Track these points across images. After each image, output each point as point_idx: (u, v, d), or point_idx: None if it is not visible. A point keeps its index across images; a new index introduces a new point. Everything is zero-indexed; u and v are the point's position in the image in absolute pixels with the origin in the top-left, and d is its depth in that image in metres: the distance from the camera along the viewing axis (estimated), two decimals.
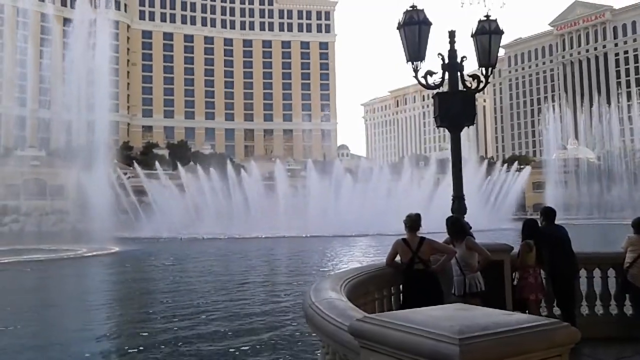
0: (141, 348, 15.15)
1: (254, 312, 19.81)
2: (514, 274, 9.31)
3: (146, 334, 16.82)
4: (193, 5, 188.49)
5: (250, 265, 38.64)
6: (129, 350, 14.98)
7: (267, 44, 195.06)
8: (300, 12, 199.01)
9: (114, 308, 22.83)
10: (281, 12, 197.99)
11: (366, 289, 7.54)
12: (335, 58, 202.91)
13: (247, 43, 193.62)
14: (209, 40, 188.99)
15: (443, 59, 9.72)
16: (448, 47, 9.78)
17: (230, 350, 14.70)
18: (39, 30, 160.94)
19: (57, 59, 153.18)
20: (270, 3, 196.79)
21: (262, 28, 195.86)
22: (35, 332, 17.77)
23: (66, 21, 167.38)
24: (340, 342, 4.31)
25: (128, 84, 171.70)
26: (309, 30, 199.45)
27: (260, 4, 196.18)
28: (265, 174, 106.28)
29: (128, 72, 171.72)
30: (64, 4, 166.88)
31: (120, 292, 27.98)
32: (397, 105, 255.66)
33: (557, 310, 9.44)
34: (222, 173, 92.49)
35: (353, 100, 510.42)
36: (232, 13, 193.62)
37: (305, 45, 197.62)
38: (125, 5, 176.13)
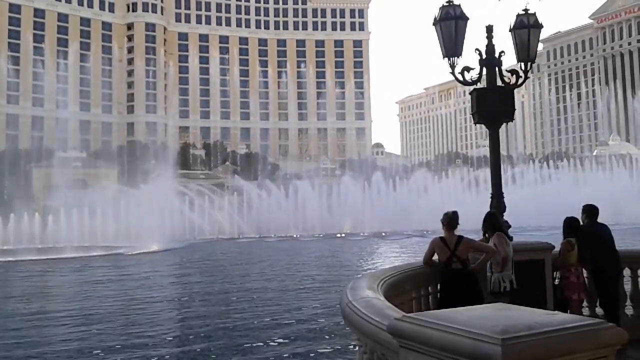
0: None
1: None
2: (555, 273, 9.11)
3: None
4: (228, 6, 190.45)
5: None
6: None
7: (300, 43, 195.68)
8: (333, 11, 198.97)
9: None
10: (315, 11, 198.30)
11: (403, 288, 7.50)
12: (370, 56, 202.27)
13: (281, 43, 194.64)
14: (243, 40, 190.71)
15: (480, 55, 9.56)
16: (485, 42, 9.61)
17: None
18: (79, 34, 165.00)
19: (97, 63, 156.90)
20: (304, 2, 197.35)
21: (295, 27, 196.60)
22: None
23: (104, 25, 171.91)
24: (379, 341, 4.29)
25: (165, 85, 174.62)
26: (342, 28, 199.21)
27: (294, 4, 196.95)
28: (301, 173, 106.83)
29: (165, 74, 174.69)
30: (102, 7, 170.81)
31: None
32: (433, 102, 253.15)
33: (600, 311, 9.20)
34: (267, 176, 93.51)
35: (388, 98, 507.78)
36: (267, 13, 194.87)
37: (339, 43, 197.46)
38: (162, 8, 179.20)
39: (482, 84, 9.68)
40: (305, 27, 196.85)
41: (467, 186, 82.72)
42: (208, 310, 21.13)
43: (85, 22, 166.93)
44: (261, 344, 15.33)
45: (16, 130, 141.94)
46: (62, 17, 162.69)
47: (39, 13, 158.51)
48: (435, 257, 8.22)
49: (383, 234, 66.42)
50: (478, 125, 10.14)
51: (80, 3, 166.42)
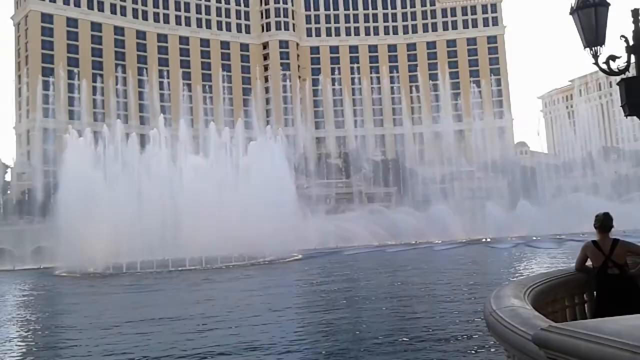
0: None
1: None
2: None
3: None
4: (356, 16, 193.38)
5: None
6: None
7: (431, 45, 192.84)
8: (464, 8, 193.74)
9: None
10: (444, 10, 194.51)
11: (554, 296, 7.12)
12: (506, 51, 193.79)
13: (411, 47, 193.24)
14: (372, 48, 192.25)
15: (627, 41, 8.82)
16: (632, 27, 8.85)
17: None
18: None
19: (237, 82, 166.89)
20: (433, 3, 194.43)
21: (425, 30, 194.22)
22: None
23: (242, 46, 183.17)
24: (526, 352, 4.15)
25: (300, 99, 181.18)
26: (474, 25, 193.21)
27: (422, 6, 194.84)
28: (439, 177, 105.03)
29: (299, 88, 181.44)
30: (239, 30, 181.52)
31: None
32: (580, 95, 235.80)
33: None
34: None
35: (529, 93, 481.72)
36: (395, 19, 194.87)
37: (471, 41, 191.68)
38: (294, 25, 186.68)
39: (632, 73, 8.92)
40: (435, 29, 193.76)
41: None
42: (378, 312, 21.48)
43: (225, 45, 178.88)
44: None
45: None
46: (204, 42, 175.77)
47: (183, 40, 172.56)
48: (589, 262, 7.70)
49: (535, 238, 62.81)
50: (630, 117, 9.33)
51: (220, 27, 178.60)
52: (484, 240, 65.89)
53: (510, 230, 69.51)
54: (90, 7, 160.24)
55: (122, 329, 21.58)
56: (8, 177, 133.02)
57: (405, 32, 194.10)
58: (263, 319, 21.63)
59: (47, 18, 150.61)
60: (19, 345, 19.82)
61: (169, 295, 33.31)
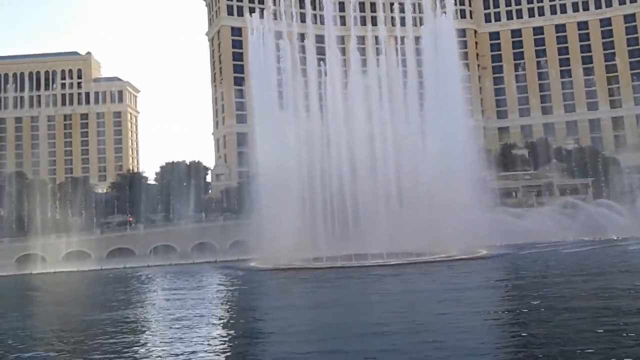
0: None
1: None
2: None
3: None
4: None
5: None
6: None
7: (629, 18, 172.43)
8: None
9: None
10: None
11: None
12: None
13: (605, 22, 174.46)
14: (560, 28, 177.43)
15: None
16: None
17: None
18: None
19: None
20: None
21: (621, 1, 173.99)
22: None
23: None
24: None
25: (480, 88, 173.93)
26: None
27: None
28: None
29: (479, 77, 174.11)
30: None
31: None
32: None
33: None
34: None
35: None
36: None
37: None
38: (471, 12, 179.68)
39: None
40: (633, 0, 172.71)
41: None
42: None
43: None
44: None
45: None
46: None
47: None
48: None
49: None
50: None
51: None
52: None
53: None
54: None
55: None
56: (209, 179, 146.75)
57: (598, 6, 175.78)
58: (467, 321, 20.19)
59: (236, 31, 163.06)
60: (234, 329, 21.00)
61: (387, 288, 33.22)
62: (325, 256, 54.54)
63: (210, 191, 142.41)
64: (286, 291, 36.24)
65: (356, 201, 58.00)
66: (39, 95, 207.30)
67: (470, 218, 57.59)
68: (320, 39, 71.52)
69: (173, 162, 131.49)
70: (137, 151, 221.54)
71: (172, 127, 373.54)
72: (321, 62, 67.32)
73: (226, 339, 19.63)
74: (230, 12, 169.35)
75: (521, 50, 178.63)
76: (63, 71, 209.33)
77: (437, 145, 60.89)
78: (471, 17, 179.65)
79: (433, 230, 54.92)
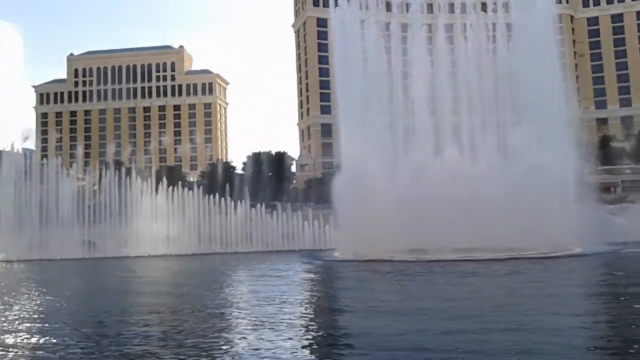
0: None
1: None
2: None
3: None
4: None
5: None
6: None
7: None
8: None
9: None
10: None
11: None
12: None
13: None
14: None
15: None
16: None
17: None
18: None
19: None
20: None
21: None
22: None
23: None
24: None
25: (577, 76, 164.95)
26: None
27: None
28: None
29: (576, 65, 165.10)
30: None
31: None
32: None
33: None
34: None
35: None
36: None
37: None
38: None
39: None
40: None
41: None
42: None
43: None
44: None
45: None
46: None
47: None
48: None
49: None
50: None
51: None
52: None
53: None
54: None
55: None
56: (293, 169, 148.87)
57: None
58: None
59: (322, 22, 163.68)
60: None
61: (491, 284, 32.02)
62: (411, 249, 53.64)
63: (294, 181, 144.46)
64: (384, 283, 35.42)
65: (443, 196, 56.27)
66: (135, 88, 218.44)
67: (563, 214, 54.70)
68: (405, 27, 70.12)
69: (259, 152, 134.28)
70: (226, 142, 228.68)
71: (259, 118, 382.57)
72: (406, 51, 66.06)
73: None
74: (316, 3, 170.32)
75: (622, 36, 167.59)
76: (158, 64, 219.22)
77: (530, 137, 58.19)
78: (567, 2, 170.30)
79: (520, 226, 52.53)
